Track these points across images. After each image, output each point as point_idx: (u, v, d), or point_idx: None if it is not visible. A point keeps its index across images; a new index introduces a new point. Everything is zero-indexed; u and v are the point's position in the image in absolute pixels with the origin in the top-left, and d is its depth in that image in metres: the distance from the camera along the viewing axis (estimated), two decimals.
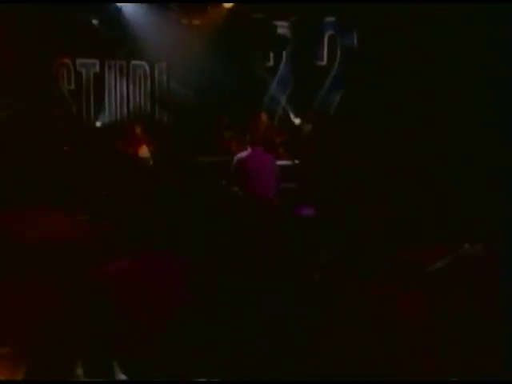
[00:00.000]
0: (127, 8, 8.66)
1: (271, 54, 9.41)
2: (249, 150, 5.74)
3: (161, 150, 8.30)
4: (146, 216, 3.11)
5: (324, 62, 9.14)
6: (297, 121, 8.98)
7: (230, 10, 8.72)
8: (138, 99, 9.43)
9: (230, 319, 3.23)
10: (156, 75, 9.39)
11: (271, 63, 9.43)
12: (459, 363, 1.99)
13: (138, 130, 8.36)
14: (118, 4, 8.66)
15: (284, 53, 9.30)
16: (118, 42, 8.86)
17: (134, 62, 9.26)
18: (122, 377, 2.60)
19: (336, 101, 8.93)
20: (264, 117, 8.48)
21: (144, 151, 8.30)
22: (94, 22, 8.77)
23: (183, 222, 3.18)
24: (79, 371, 2.73)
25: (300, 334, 2.85)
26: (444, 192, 5.98)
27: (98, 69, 9.13)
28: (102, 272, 2.69)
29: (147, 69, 9.35)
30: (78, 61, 9.02)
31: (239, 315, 3.48)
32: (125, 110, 9.35)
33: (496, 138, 4.91)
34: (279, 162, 6.63)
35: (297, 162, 7.67)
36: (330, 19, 8.94)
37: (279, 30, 9.15)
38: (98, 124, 9.18)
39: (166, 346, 2.56)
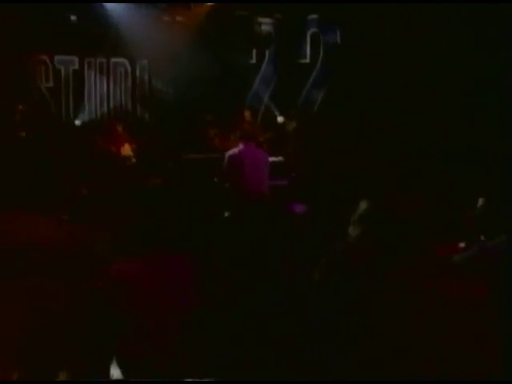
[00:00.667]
0: (108, 4, 8.51)
1: (254, 52, 9.36)
2: (240, 146, 5.67)
3: (144, 149, 8.19)
4: (135, 215, 3.03)
5: (307, 60, 9.13)
6: (280, 118, 8.94)
7: (213, 6, 8.63)
8: (118, 97, 9.28)
9: (230, 318, 3.18)
10: (137, 73, 9.25)
11: (254, 61, 9.38)
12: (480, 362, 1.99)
13: (120, 128, 8.23)
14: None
15: (267, 50, 9.26)
16: (98, 38, 8.69)
17: (114, 60, 9.11)
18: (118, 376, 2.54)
19: (320, 98, 8.92)
20: (247, 114, 8.44)
21: (127, 150, 8.18)
22: (73, 18, 8.60)
23: (174, 220, 3.11)
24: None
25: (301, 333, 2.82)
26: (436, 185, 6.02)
27: (77, 66, 8.96)
28: (91, 275, 2.63)
29: (128, 67, 9.20)
30: (57, 58, 8.83)
31: (239, 313, 3.43)
32: (105, 109, 9.19)
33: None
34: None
35: (280, 158, 7.65)
36: (312, 16, 8.93)
37: (262, 27, 9.10)
38: (78, 122, 9.01)
39: (169, 347, 2.49)
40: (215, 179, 6.04)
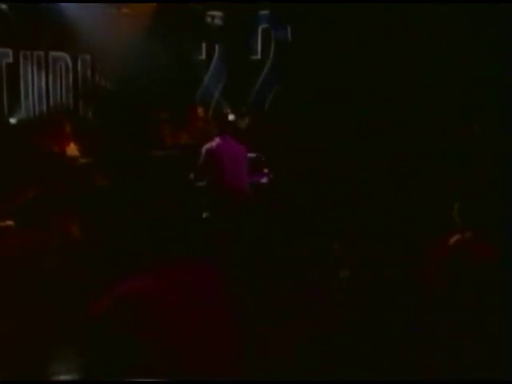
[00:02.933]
0: None
1: (204, 47, 9.12)
2: (218, 140, 5.39)
3: (90, 148, 7.71)
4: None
5: (258, 56, 9.03)
6: (231, 116, 8.77)
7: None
8: (58, 94, 8.68)
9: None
10: (79, 68, 8.69)
11: (204, 56, 9.15)
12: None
13: (63, 127, 7.70)
14: None
15: (217, 46, 9.06)
16: (35, 30, 8.08)
17: (53, 54, 8.50)
18: None
19: (271, 95, 8.84)
20: (200, 110, 8.23)
21: (72, 149, 7.67)
22: (4, 6, 7.93)
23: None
24: None
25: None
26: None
27: (11, 59, 8.28)
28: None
29: (69, 61, 8.63)
30: None
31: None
32: (44, 106, 8.57)
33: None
34: None
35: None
36: (263, 12, 8.83)
37: (213, 22, 8.88)
38: (14, 120, 8.32)
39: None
40: (191, 175, 5.73)
